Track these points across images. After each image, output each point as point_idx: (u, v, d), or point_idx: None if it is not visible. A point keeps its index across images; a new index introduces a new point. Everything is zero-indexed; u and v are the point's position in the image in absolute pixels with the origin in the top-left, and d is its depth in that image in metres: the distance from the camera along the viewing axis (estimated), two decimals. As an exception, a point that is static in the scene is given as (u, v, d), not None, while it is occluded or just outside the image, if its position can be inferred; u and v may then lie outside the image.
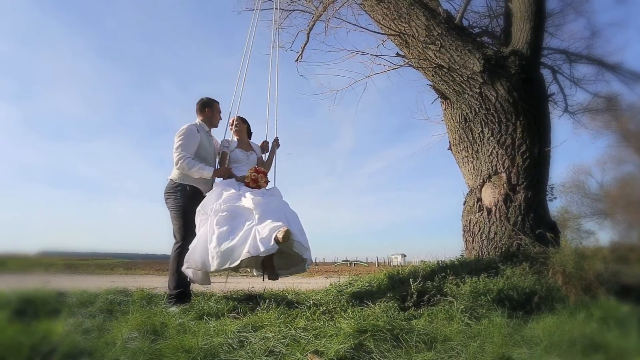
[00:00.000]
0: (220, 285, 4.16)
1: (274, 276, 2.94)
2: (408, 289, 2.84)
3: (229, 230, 2.61)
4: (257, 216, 2.65)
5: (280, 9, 4.93)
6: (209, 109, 3.24)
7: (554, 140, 4.13)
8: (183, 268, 2.67)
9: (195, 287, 3.26)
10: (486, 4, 5.47)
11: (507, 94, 3.64)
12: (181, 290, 2.84)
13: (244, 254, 2.46)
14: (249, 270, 3.49)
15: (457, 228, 4.49)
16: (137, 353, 1.16)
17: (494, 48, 3.96)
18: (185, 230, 2.89)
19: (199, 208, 2.83)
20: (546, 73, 5.33)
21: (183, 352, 1.22)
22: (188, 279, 2.83)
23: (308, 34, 6.38)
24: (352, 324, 1.77)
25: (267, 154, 3.52)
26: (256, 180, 3.05)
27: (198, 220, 2.82)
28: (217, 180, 3.11)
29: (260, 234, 2.52)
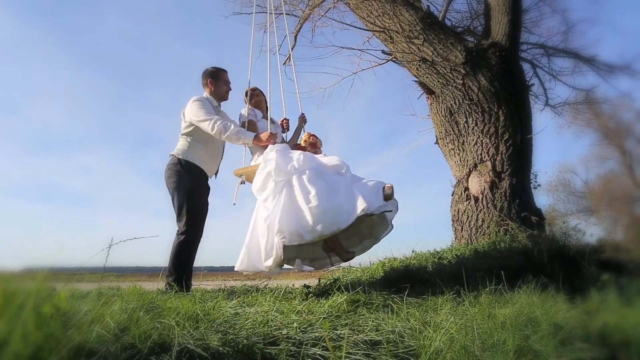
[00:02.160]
0: (212, 284, 4.14)
1: (348, 255, 2.55)
2: (400, 272, 2.91)
3: (328, 188, 2.21)
4: (348, 175, 2.33)
5: (271, 12, 5.02)
6: (211, 79, 2.90)
7: (535, 131, 4.30)
8: (278, 238, 2.16)
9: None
10: (467, 3, 5.67)
11: (489, 84, 3.79)
12: (180, 281, 2.55)
13: (360, 211, 2.08)
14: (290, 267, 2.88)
15: (448, 230, 4.55)
16: (136, 310, 1.19)
17: (475, 41, 4.12)
18: (192, 217, 2.62)
19: (269, 170, 2.35)
20: (526, 68, 5.54)
21: (179, 313, 1.25)
22: (262, 271, 2.43)
23: (295, 36, 6.51)
24: (345, 296, 1.82)
25: (293, 132, 3.23)
26: (315, 145, 2.69)
27: (272, 184, 2.35)
28: (258, 151, 2.71)
29: (366, 190, 2.20)
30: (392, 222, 2.55)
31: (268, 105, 3.17)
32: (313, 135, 2.81)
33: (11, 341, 0.57)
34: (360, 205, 2.11)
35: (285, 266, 2.65)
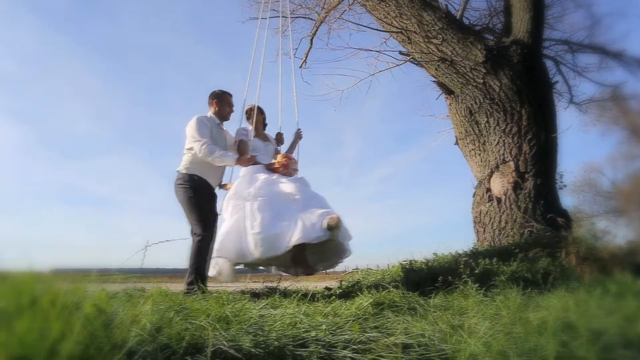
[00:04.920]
0: (233, 287, 4.18)
1: (309, 270, 2.78)
2: (422, 274, 2.87)
3: (274, 216, 2.44)
4: (300, 202, 2.51)
5: (284, 16, 5.07)
6: (217, 101, 3.14)
7: (560, 130, 4.17)
8: (214, 256, 2.53)
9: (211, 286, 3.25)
10: (486, 0, 5.57)
11: (511, 82, 3.70)
12: (199, 285, 2.55)
13: (295, 240, 2.32)
14: (263, 269, 3.24)
15: (466, 232, 4.46)
16: (167, 311, 1.21)
17: (494, 39, 4.04)
18: (204, 222, 2.78)
19: (230, 194, 2.68)
20: (549, 65, 5.39)
21: (209, 314, 1.27)
22: (215, 275, 2.67)
23: (311, 39, 6.54)
24: (370, 299, 1.81)
25: (288, 146, 3.39)
26: (287, 166, 2.88)
27: (230, 206, 2.67)
28: (241, 168, 2.96)
29: (309, 220, 2.37)
30: (347, 247, 2.72)
31: (267, 122, 3.39)
32: (287, 157, 2.99)
33: (65, 341, 0.59)
34: (296, 236, 2.34)
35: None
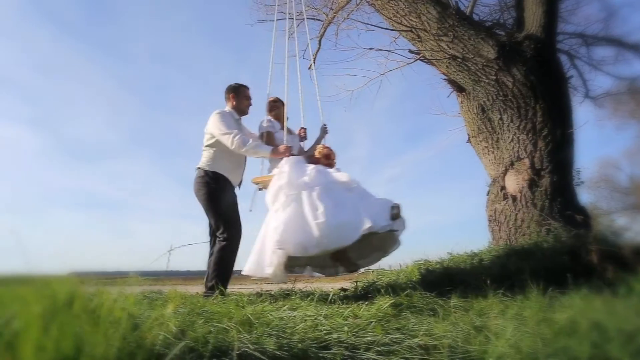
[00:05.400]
0: (248, 289, 4.19)
1: (352, 267, 2.69)
2: (438, 274, 2.84)
3: (335, 204, 2.29)
4: (358, 192, 2.43)
5: (294, 18, 5.08)
6: (233, 94, 2.98)
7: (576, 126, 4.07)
8: (275, 248, 2.28)
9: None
10: (496, -4, 5.49)
11: (524, 78, 3.64)
12: (220, 289, 2.48)
13: (366, 229, 2.19)
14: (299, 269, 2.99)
15: (476, 231, 4.40)
16: (189, 314, 1.23)
17: (504, 34, 3.98)
18: (229, 222, 2.67)
19: (280, 184, 2.45)
20: (564, 59, 5.28)
21: (230, 317, 1.28)
22: (270, 275, 2.45)
23: (320, 40, 6.53)
24: (389, 300, 1.79)
25: (314, 142, 3.23)
26: (329, 156, 2.75)
27: (283, 196, 2.43)
28: (275, 161, 2.77)
29: (372, 208, 2.30)
30: (400, 238, 2.60)
31: (288, 116, 3.18)
32: (327, 147, 2.86)
33: (99, 344, 0.61)
34: (366, 224, 2.20)
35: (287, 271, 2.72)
